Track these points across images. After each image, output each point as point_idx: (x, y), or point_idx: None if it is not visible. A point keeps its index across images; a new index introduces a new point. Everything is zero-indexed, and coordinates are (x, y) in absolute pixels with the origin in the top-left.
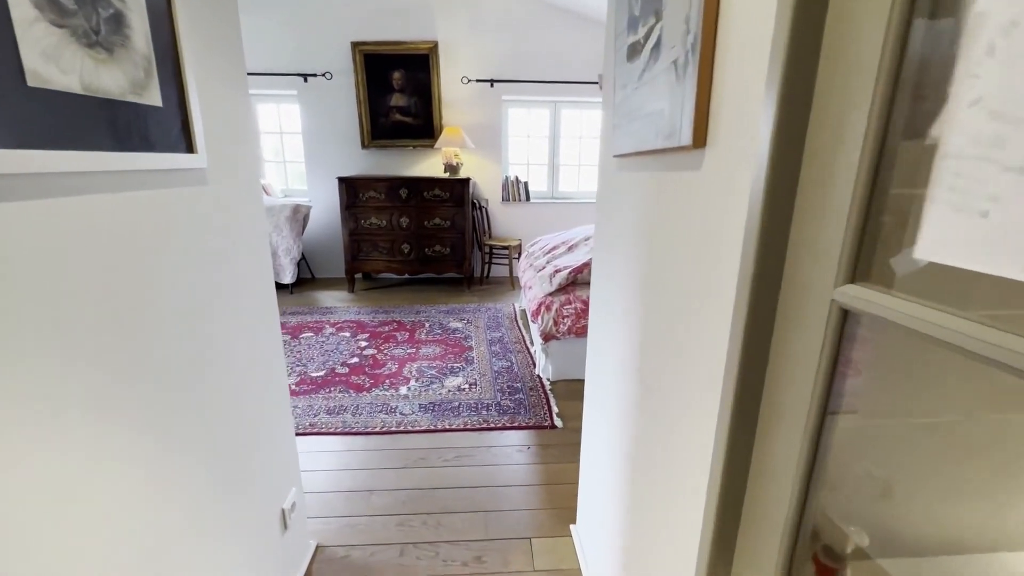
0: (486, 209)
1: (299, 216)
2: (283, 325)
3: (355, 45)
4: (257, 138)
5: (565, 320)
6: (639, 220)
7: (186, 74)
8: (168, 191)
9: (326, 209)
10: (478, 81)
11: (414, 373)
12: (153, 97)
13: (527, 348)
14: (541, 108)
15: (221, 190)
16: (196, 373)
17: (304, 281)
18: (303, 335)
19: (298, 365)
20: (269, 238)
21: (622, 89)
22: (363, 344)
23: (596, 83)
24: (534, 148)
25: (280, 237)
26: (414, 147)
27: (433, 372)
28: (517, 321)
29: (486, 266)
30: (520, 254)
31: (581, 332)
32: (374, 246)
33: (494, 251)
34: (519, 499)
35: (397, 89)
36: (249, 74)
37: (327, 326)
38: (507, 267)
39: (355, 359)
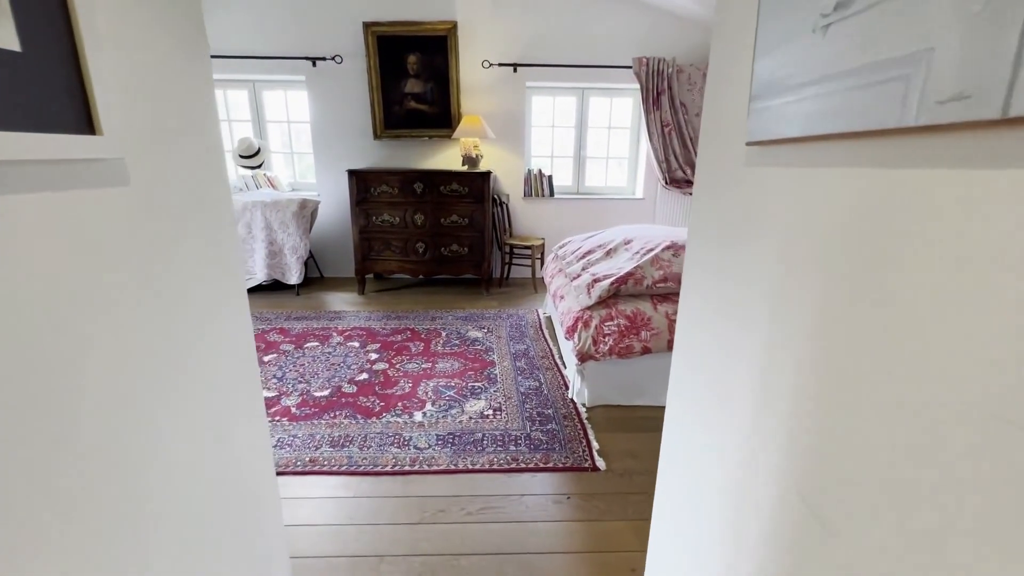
0: (507, 205)
1: (306, 212)
2: (286, 333)
3: (367, 26)
4: (216, 126)
5: (606, 339)
6: (810, 242)
7: (75, 6)
8: (40, 196)
9: (336, 204)
10: (500, 65)
11: (430, 394)
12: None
13: (556, 364)
14: (567, 95)
15: (156, 194)
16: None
17: (312, 281)
18: (308, 344)
19: (300, 382)
20: (270, 242)
21: (779, 46)
22: (373, 357)
23: (629, 67)
24: (558, 139)
25: (286, 234)
26: (430, 137)
27: (452, 393)
28: (543, 331)
29: (506, 267)
30: (543, 254)
31: (625, 353)
32: (386, 245)
33: (515, 251)
34: (560, 573)
35: (412, 74)
36: (253, 58)
37: (334, 334)
38: (529, 268)
39: (364, 375)
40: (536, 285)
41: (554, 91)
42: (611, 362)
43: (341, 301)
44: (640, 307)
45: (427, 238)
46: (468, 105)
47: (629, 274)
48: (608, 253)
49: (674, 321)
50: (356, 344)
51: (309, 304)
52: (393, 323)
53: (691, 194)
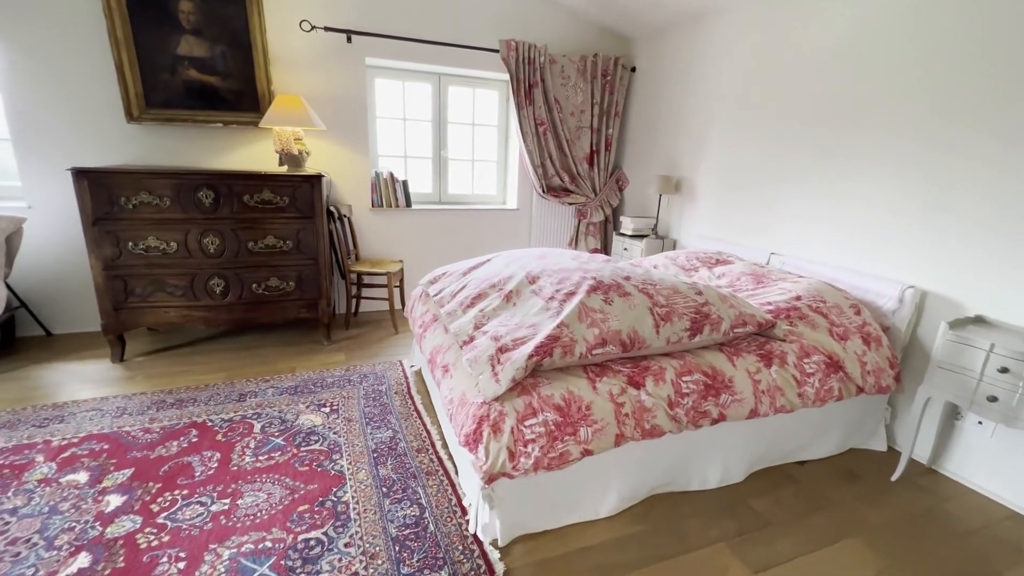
0: (349, 219)
1: None
2: None
3: None
4: None
5: (529, 447)
6: None
7: None
8: None
9: (66, 222)
10: (327, 30)
11: (224, 572)
12: None
13: (441, 464)
14: (420, 81)
15: None
16: None
17: (28, 345)
18: None
19: None
20: None
21: None
22: (113, 504)
23: (495, 51)
24: (413, 136)
25: None
26: (225, 124)
27: (269, 560)
28: (412, 397)
29: (354, 301)
30: (403, 281)
31: (558, 463)
32: (157, 284)
33: (364, 279)
34: None
35: (189, 29)
36: None
37: (38, 462)
38: (386, 301)
39: (78, 562)
40: (396, 322)
41: (404, 74)
42: (539, 478)
43: (79, 379)
44: (573, 388)
45: (228, 271)
46: (284, 81)
47: (552, 338)
48: (507, 297)
49: (623, 406)
50: (83, 477)
51: (6, 393)
52: (168, 415)
53: (571, 204)
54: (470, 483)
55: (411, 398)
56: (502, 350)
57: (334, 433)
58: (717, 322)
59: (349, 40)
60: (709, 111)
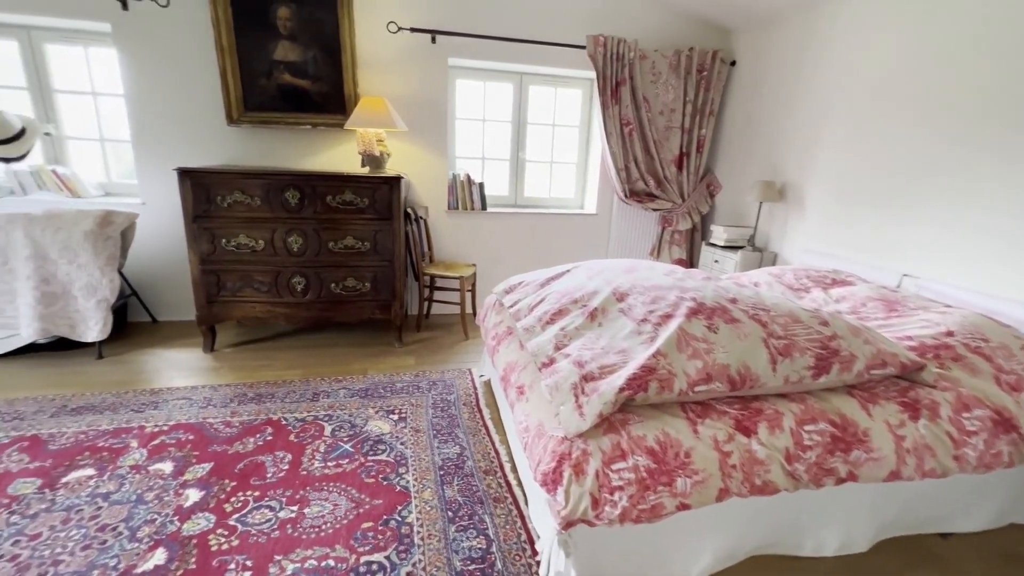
0: (425, 221)
1: (111, 231)
2: (39, 449)
3: None
4: None
5: (617, 494)
6: None
7: None
8: None
9: (172, 217)
10: (413, 31)
11: None
12: None
13: (509, 490)
14: (502, 81)
15: None
16: None
17: (136, 330)
18: (71, 476)
19: None
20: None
21: None
22: (192, 499)
23: (581, 47)
24: (491, 137)
25: (74, 267)
26: (313, 125)
27: None
28: (481, 411)
29: (426, 304)
30: (475, 285)
31: (649, 516)
32: (246, 280)
33: (438, 282)
34: None
35: (285, 35)
36: None
37: (132, 448)
38: (457, 306)
39: (159, 555)
40: (467, 328)
41: (485, 75)
42: (627, 530)
43: (174, 366)
44: (670, 430)
45: (309, 270)
46: (369, 83)
47: (647, 369)
48: (592, 316)
49: (729, 455)
50: (168, 467)
51: (115, 375)
52: (246, 412)
53: (656, 210)
54: (543, 521)
55: (479, 412)
56: (587, 378)
57: (401, 443)
58: (848, 360)
59: (433, 40)
60: (826, 108)
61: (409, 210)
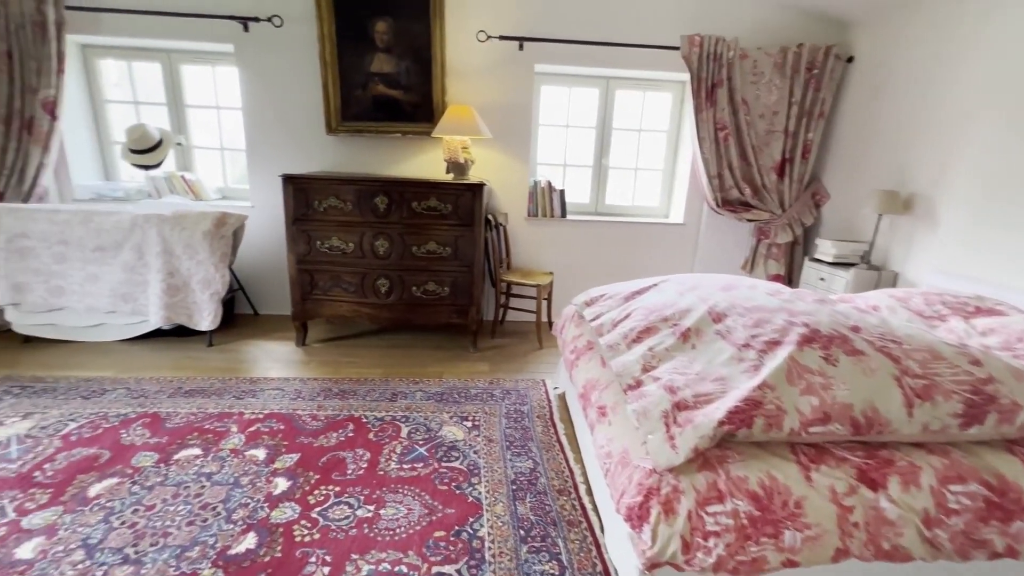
0: (504, 228)
1: (225, 231)
2: (158, 426)
3: None
4: None
5: (711, 540)
6: None
7: None
8: None
9: (275, 219)
10: (502, 39)
11: None
12: None
13: (584, 514)
14: (588, 86)
15: None
16: None
17: (241, 321)
18: (182, 454)
19: (125, 562)
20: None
21: None
22: (281, 487)
23: (674, 48)
24: (574, 143)
25: (194, 262)
26: (403, 134)
27: None
28: (555, 426)
29: (502, 310)
30: (551, 294)
31: (749, 569)
32: (335, 280)
33: (514, 289)
34: None
35: (381, 48)
36: (161, 14)
37: (234, 428)
38: (532, 314)
39: (250, 539)
40: (542, 337)
41: (571, 80)
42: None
43: (270, 357)
44: (777, 473)
45: (393, 273)
46: (456, 92)
47: (752, 403)
48: (684, 336)
49: (850, 511)
50: (261, 454)
51: (222, 362)
52: (332, 404)
53: (751, 221)
54: (622, 556)
55: (553, 426)
56: (680, 407)
57: (474, 452)
58: (1010, 411)
59: (521, 48)
60: (970, 108)
61: (489, 216)
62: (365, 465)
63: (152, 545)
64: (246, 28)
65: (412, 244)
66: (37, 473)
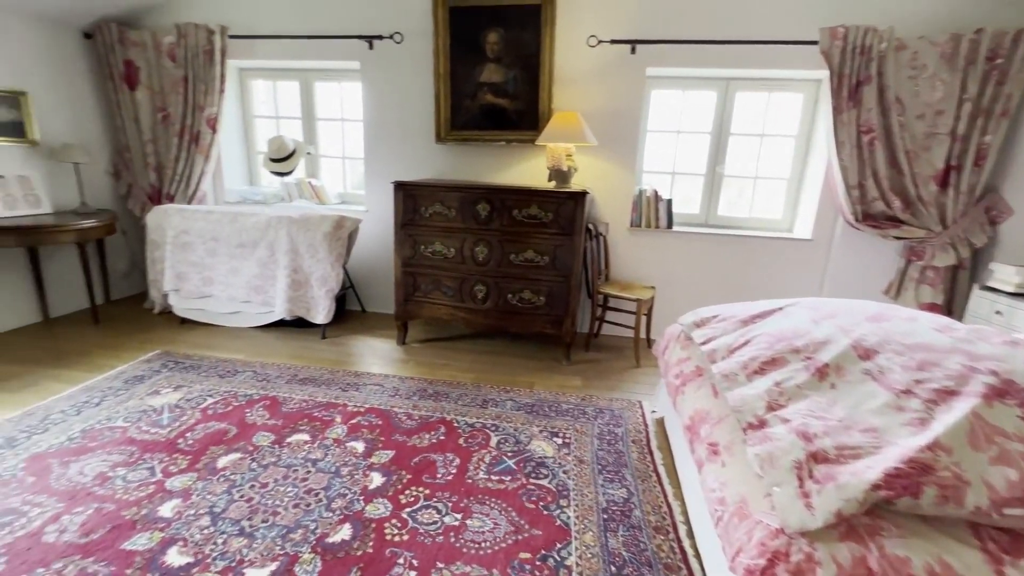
0: (604, 238)
1: (342, 233)
2: (276, 408)
3: None
4: None
5: None
6: None
7: None
8: None
9: (386, 223)
10: (613, 43)
11: None
12: None
13: (681, 551)
14: (704, 89)
15: None
16: None
17: (350, 317)
18: (294, 438)
19: (240, 534)
20: (298, 261)
21: None
22: (376, 482)
23: (811, 43)
24: (684, 149)
25: (314, 261)
26: (507, 142)
27: None
28: (652, 454)
29: (597, 323)
30: (652, 310)
31: None
32: (436, 284)
33: (611, 302)
34: None
35: (491, 58)
36: (299, 37)
37: (338, 419)
38: (630, 330)
39: (345, 530)
40: (640, 354)
41: (686, 83)
42: None
43: (373, 353)
44: (952, 559)
45: (490, 279)
46: (563, 99)
47: (920, 467)
48: (820, 373)
49: None
50: (360, 447)
51: (332, 354)
52: (426, 405)
53: (901, 239)
54: None
55: (650, 453)
56: (817, 458)
57: (564, 472)
58: None
59: (633, 51)
60: None
61: (590, 226)
62: (454, 471)
63: (263, 522)
64: (371, 46)
65: (510, 251)
66: (180, 440)
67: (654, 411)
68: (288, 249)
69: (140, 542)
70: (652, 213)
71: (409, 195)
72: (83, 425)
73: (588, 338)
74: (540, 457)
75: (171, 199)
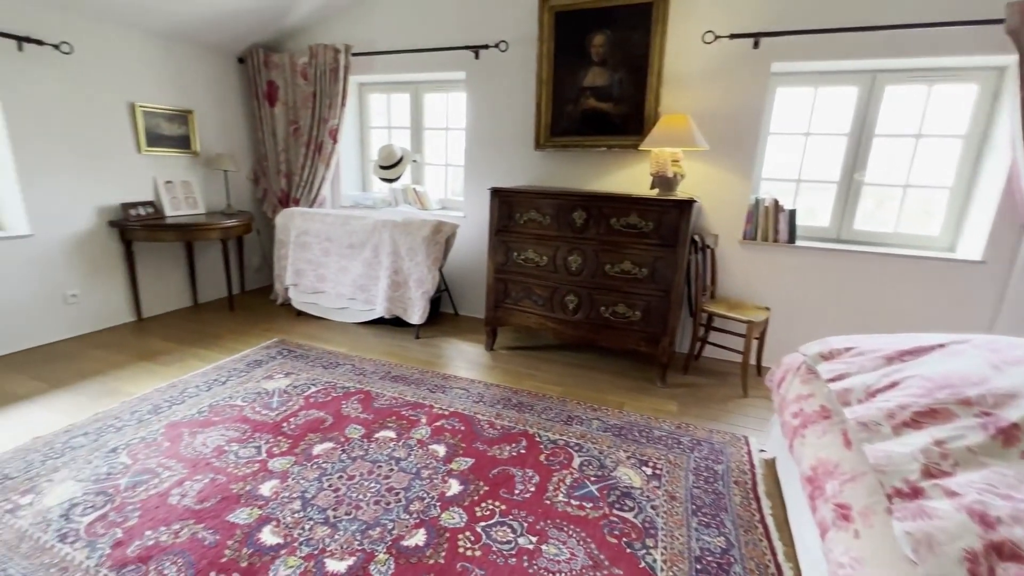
0: (712, 251)
1: (440, 237)
2: (369, 403)
3: (544, 1)
4: None
5: None
6: None
7: None
8: None
9: (482, 229)
10: (732, 38)
11: None
12: None
13: None
14: (843, 84)
15: None
16: None
17: (443, 319)
18: (381, 434)
19: (325, 524)
20: (399, 263)
21: None
22: (453, 489)
23: (991, 22)
24: (814, 154)
25: (413, 263)
26: (608, 148)
27: None
28: (759, 502)
29: (698, 344)
30: (764, 334)
31: None
32: (526, 291)
33: (716, 321)
34: None
35: (596, 61)
36: (409, 52)
37: (423, 419)
38: (738, 354)
39: (419, 535)
40: (747, 383)
41: (819, 78)
42: None
43: (462, 356)
44: None
45: (582, 290)
46: (671, 101)
47: None
48: (1006, 437)
49: None
50: (441, 451)
51: (423, 354)
52: (509, 415)
53: None
54: None
55: (756, 500)
56: (1002, 552)
57: (652, 507)
58: None
59: (756, 45)
60: None
61: (696, 237)
62: (533, 489)
63: (346, 514)
64: (477, 55)
65: (606, 262)
66: (285, 424)
67: (763, 450)
68: (390, 251)
69: (241, 516)
70: (770, 225)
71: (505, 201)
72: (211, 400)
73: (688, 360)
74: (626, 486)
75: (296, 203)
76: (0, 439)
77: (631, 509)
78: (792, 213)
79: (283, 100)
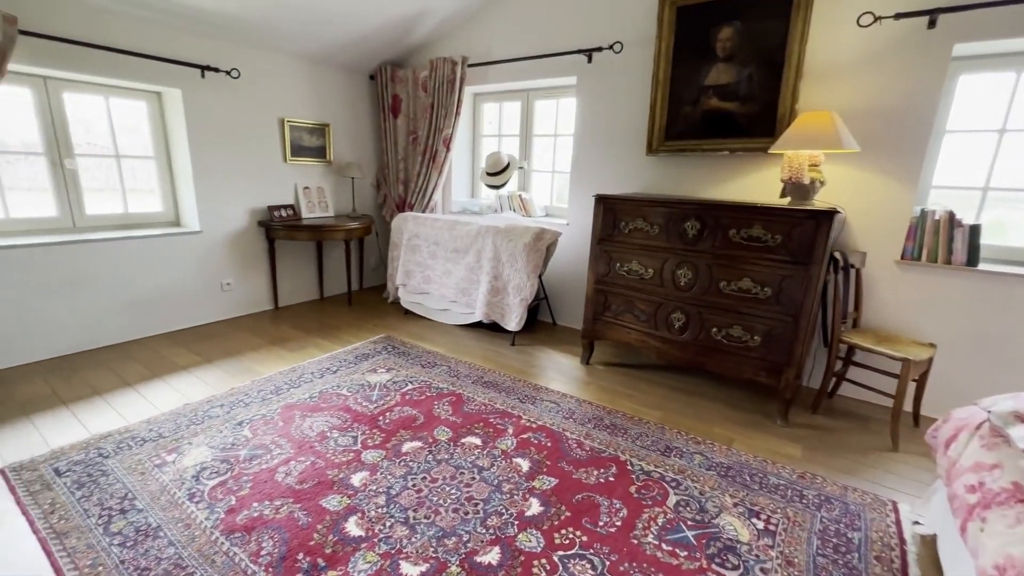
0: (858, 272)
1: (541, 245)
2: (459, 407)
3: None
4: None
5: None
6: None
7: None
8: None
9: (585, 237)
10: (897, 17)
11: None
12: None
13: None
14: None
15: None
16: None
17: (541, 327)
18: (467, 440)
19: (405, 524)
20: (500, 268)
21: None
22: (534, 509)
23: None
24: (1010, 155)
25: (513, 270)
26: (731, 151)
27: None
28: None
29: (834, 379)
30: (925, 377)
31: None
32: (628, 305)
33: (858, 355)
34: None
35: (722, 57)
36: (522, 59)
37: (510, 429)
38: (889, 397)
39: (494, 552)
40: (899, 434)
41: (1018, 60)
42: None
43: (556, 368)
44: None
45: (691, 308)
46: (811, 97)
47: None
48: None
49: None
50: (525, 465)
51: (517, 362)
52: (600, 437)
53: None
54: None
55: None
56: None
57: (761, 569)
58: None
59: (931, 24)
60: None
61: (837, 254)
62: (619, 523)
63: (425, 518)
64: (589, 59)
65: (721, 278)
66: (381, 418)
67: (918, 523)
68: (492, 257)
69: (332, 503)
70: (942, 243)
71: (610, 209)
72: (321, 387)
73: (818, 397)
74: (730, 538)
75: (411, 208)
76: (162, 401)
77: (734, 568)
78: (974, 229)
79: (405, 112)
